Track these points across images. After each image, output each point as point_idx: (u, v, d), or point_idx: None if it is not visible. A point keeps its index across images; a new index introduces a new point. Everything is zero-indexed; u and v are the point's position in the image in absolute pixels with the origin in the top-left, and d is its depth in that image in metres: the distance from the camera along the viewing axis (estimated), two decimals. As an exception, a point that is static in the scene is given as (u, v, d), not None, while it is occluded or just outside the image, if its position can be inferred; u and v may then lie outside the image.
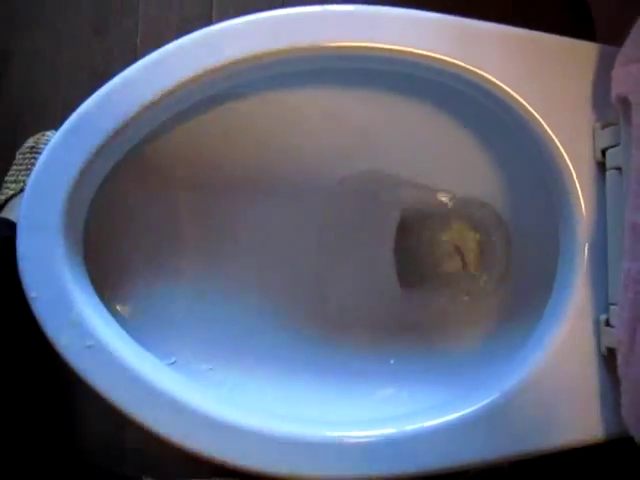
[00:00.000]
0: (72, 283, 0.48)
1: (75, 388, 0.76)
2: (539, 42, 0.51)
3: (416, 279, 0.65)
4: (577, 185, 0.49)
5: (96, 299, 0.51)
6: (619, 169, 0.47)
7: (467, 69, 0.50)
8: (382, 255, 0.65)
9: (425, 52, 0.49)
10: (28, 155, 0.79)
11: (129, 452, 0.77)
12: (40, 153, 0.77)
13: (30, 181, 0.48)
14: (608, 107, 0.47)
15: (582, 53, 0.50)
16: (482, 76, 0.50)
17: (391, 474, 0.46)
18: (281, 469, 0.46)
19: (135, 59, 0.83)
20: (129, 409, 0.46)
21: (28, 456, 0.74)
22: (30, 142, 0.80)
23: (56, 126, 0.84)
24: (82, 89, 0.83)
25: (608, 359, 0.47)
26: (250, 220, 0.62)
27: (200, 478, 0.76)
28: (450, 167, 0.61)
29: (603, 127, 0.48)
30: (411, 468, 0.46)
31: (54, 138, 0.49)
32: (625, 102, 0.44)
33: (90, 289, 0.51)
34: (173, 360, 0.56)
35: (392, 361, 0.60)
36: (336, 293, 0.63)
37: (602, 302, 0.48)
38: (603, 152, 0.48)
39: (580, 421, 0.48)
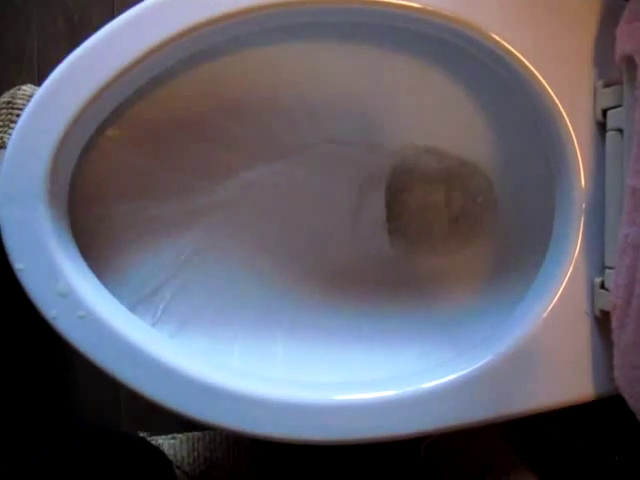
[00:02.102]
0: (59, 252, 0.47)
1: (66, 348, 0.76)
2: (539, -7, 0.48)
3: (407, 236, 0.65)
4: (576, 145, 0.48)
5: (84, 266, 0.50)
6: (620, 130, 0.45)
7: (461, 21, 0.47)
8: (373, 211, 0.64)
9: (417, 4, 0.47)
10: (4, 111, 0.75)
11: (124, 408, 0.78)
12: (18, 108, 0.74)
13: (8, 149, 0.46)
14: (611, 65, 0.46)
15: (585, 6, 0.48)
16: (477, 29, 0.47)
17: (388, 436, 0.47)
18: (275, 432, 0.47)
19: (112, 6, 0.79)
20: (125, 378, 0.47)
21: (22, 417, 0.75)
22: (6, 97, 0.76)
23: (32, 79, 0.81)
24: (58, 38, 0.79)
25: (601, 321, 0.48)
26: (239, 178, 0.60)
27: (197, 431, 0.77)
28: (443, 124, 0.60)
29: (605, 86, 0.47)
30: (409, 429, 0.47)
31: (32, 101, 0.47)
32: (630, 62, 0.43)
33: (78, 256, 0.50)
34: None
35: (387, 320, 0.60)
36: (327, 251, 0.63)
37: (598, 264, 0.48)
38: (604, 112, 0.47)
39: (573, 381, 0.49)
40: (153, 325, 0.54)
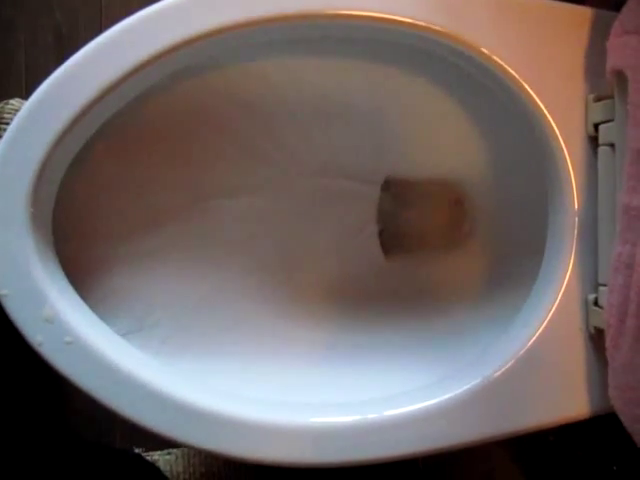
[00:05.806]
0: (44, 276, 0.45)
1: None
2: (528, 6, 0.48)
3: (401, 249, 0.64)
4: (568, 160, 0.47)
5: (71, 291, 0.49)
6: (612, 145, 0.45)
7: (451, 36, 0.47)
8: (365, 225, 0.63)
9: (406, 19, 0.46)
10: (-8, 126, 0.74)
11: (118, 424, 0.77)
12: (5, 122, 0.73)
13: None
14: (603, 78, 0.45)
15: (575, 18, 0.47)
16: (468, 43, 0.47)
17: (380, 458, 0.46)
18: (259, 455, 0.46)
19: (100, 19, 0.78)
20: (114, 405, 0.46)
21: (17, 433, 0.74)
22: (-7, 112, 0.75)
23: (20, 92, 0.80)
24: (46, 51, 0.78)
25: (595, 338, 0.47)
26: (232, 198, 0.60)
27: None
28: (437, 139, 0.59)
29: (596, 100, 0.46)
30: (402, 451, 0.46)
31: (14, 122, 0.46)
32: (620, 76, 0.42)
33: (64, 281, 0.48)
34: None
35: (381, 338, 0.59)
36: (320, 268, 0.62)
37: (591, 281, 0.47)
38: (596, 126, 0.46)
39: (567, 399, 0.48)
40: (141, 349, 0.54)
